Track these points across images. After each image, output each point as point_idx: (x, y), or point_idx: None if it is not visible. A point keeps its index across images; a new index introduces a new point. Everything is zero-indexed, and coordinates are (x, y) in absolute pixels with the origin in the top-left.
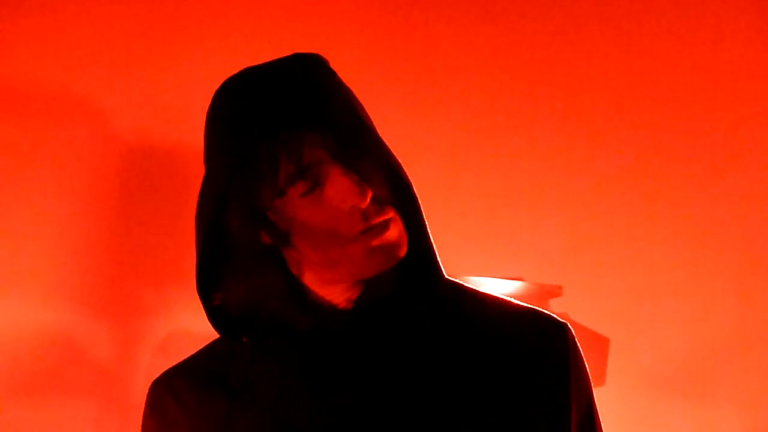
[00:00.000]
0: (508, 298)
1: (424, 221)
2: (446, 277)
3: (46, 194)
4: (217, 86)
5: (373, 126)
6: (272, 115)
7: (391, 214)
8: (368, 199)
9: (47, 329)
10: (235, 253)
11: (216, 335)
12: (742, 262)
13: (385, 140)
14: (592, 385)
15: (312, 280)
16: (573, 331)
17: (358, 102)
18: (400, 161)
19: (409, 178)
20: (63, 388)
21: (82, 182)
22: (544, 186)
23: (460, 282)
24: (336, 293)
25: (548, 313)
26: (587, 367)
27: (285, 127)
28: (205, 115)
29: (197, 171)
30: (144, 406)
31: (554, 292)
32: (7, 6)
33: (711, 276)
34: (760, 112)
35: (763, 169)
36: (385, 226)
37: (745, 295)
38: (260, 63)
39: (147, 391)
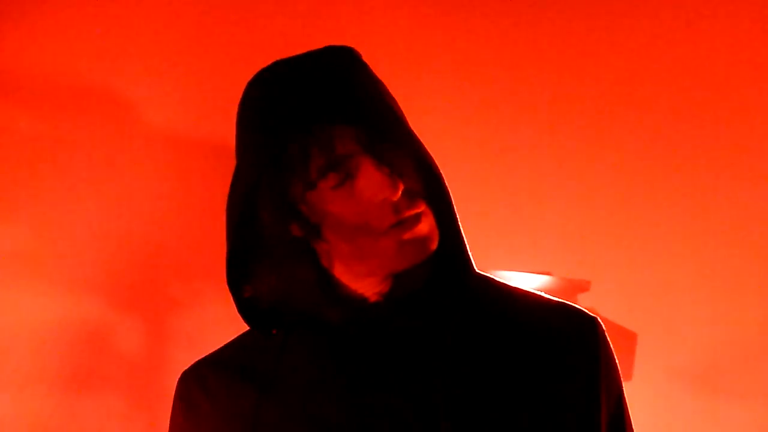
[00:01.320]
0: (538, 292)
1: (456, 215)
2: (477, 271)
3: (77, 188)
4: (248, 79)
5: (405, 119)
6: (304, 108)
7: (422, 207)
8: (400, 192)
9: (77, 323)
10: (265, 245)
11: (246, 328)
12: (765, 260)
13: (417, 134)
14: (620, 376)
15: (343, 273)
16: (603, 325)
17: (390, 95)
18: (431, 155)
19: (441, 171)
20: (93, 382)
21: (113, 176)
22: (572, 182)
23: (490, 276)
24: (367, 286)
25: (578, 306)
26: (617, 362)
27: (317, 120)
28: (237, 107)
29: (229, 164)
30: (173, 397)
31: (582, 287)
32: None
33: (738, 272)
34: None
35: None
36: (416, 219)
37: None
38: (292, 56)
39: (176, 383)
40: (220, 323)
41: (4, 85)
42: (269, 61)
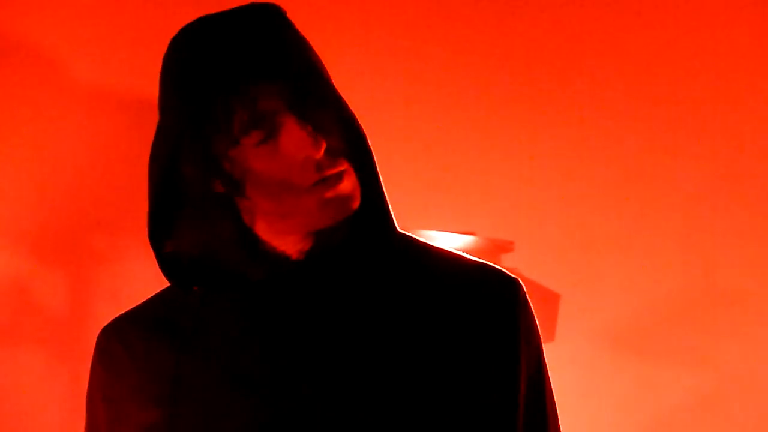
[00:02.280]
0: (460, 253)
1: (378, 174)
2: (399, 230)
3: (5, 144)
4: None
5: (330, 78)
6: (227, 65)
7: (345, 166)
8: (322, 150)
9: (6, 273)
10: (187, 201)
11: (167, 283)
12: (688, 223)
13: (340, 92)
14: (542, 340)
15: (265, 230)
16: (524, 287)
17: (315, 54)
18: (354, 113)
19: (364, 130)
20: (14, 336)
21: (37, 128)
22: (496, 141)
23: (413, 236)
24: (289, 244)
25: (499, 268)
26: (537, 322)
27: (240, 77)
28: (161, 65)
29: (152, 118)
30: (93, 352)
31: (506, 247)
32: None
33: (659, 235)
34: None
35: (707, 133)
36: (339, 177)
37: (690, 254)
38: (216, 12)
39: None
40: (143, 278)
41: None
42: (199, 14)
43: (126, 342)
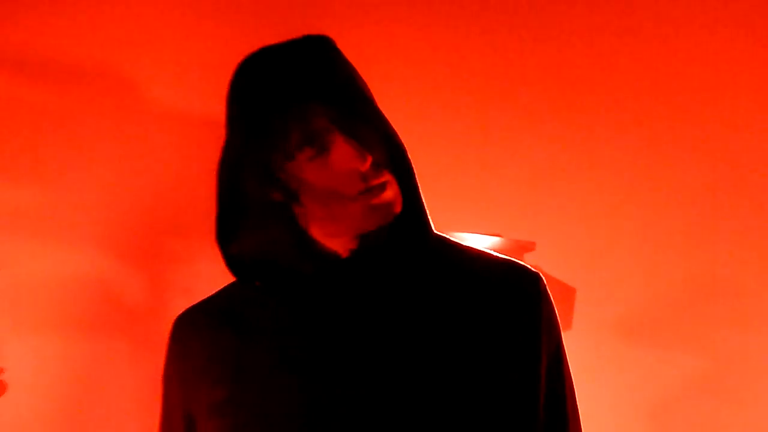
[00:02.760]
0: (488, 251)
1: (417, 183)
2: (435, 232)
3: (87, 158)
4: (232, 65)
5: (373, 98)
6: (284, 89)
7: (387, 176)
8: (368, 164)
9: (88, 276)
10: (249, 208)
11: (232, 279)
12: (691, 224)
13: (383, 111)
14: (560, 326)
15: (317, 233)
16: (545, 280)
17: (360, 77)
18: (395, 130)
19: (404, 144)
20: (102, 327)
21: (120, 146)
22: (521, 154)
23: (447, 236)
24: (338, 244)
25: (523, 263)
26: (557, 314)
27: (295, 99)
28: (227, 91)
29: (220, 136)
30: (168, 338)
31: (528, 247)
32: None
33: (665, 235)
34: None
35: (708, 135)
36: (382, 187)
37: (693, 252)
38: (275, 43)
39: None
40: (212, 275)
41: (18, 56)
42: (263, 44)
43: (196, 330)
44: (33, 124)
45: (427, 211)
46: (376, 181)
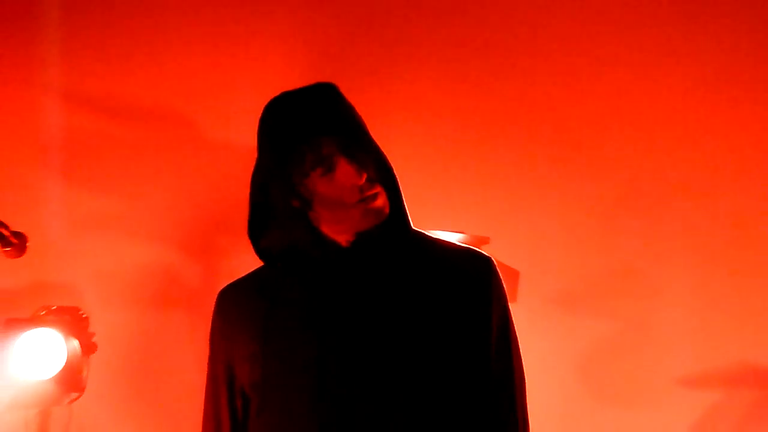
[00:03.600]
0: (454, 241)
1: (401, 193)
2: (414, 228)
3: (161, 177)
4: (263, 104)
5: (368, 130)
6: (301, 125)
7: (378, 188)
8: (363, 179)
9: (157, 264)
10: (274, 213)
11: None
12: (607, 225)
13: (375, 139)
14: (508, 300)
15: (326, 230)
16: (495, 262)
17: (358, 114)
18: (384, 153)
19: (390, 164)
20: (167, 303)
21: (182, 170)
22: (479, 173)
23: (423, 232)
24: (341, 238)
25: (478, 250)
26: (505, 287)
27: (309, 133)
28: (258, 124)
29: (252, 159)
30: (213, 309)
31: (484, 241)
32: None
33: (586, 231)
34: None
35: (622, 160)
36: (374, 197)
37: (608, 245)
38: (294, 89)
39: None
40: (248, 262)
41: (109, 100)
42: (285, 89)
43: (234, 300)
44: (118, 151)
45: (408, 213)
46: (370, 192)
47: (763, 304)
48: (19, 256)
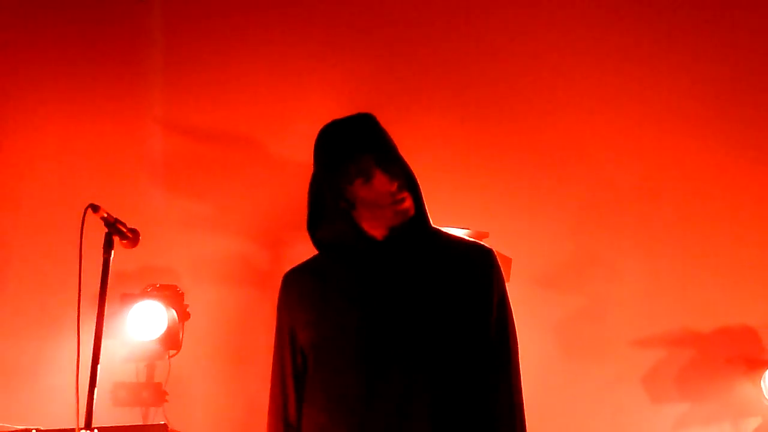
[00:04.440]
0: (462, 236)
1: (422, 198)
2: (432, 225)
3: (242, 185)
4: (317, 129)
5: (397, 149)
6: (347, 145)
7: (406, 194)
8: (395, 187)
9: (238, 253)
10: (327, 212)
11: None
12: (578, 220)
13: (403, 155)
14: (505, 281)
15: (366, 226)
16: (495, 252)
17: (390, 137)
18: (410, 166)
19: (415, 175)
20: (246, 283)
21: (259, 180)
22: (482, 182)
23: (439, 228)
24: (378, 233)
25: (483, 243)
26: (502, 272)
27: (354, 151)
28: (314, 144)
29: (309, 173)
30: (280, 287)
31: (485, 235)
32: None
33: (561, 226)
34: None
35: (590, 169)
36: (403, 200)
37: (579, 237)
38: (341, 117)
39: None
40: (306, 252)
41: (191, 123)
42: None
43: (296, 279)
44: (208, 166)
45: (428, 214)
46: (399, 197)
47: (698, 283)
48: (133, 246)
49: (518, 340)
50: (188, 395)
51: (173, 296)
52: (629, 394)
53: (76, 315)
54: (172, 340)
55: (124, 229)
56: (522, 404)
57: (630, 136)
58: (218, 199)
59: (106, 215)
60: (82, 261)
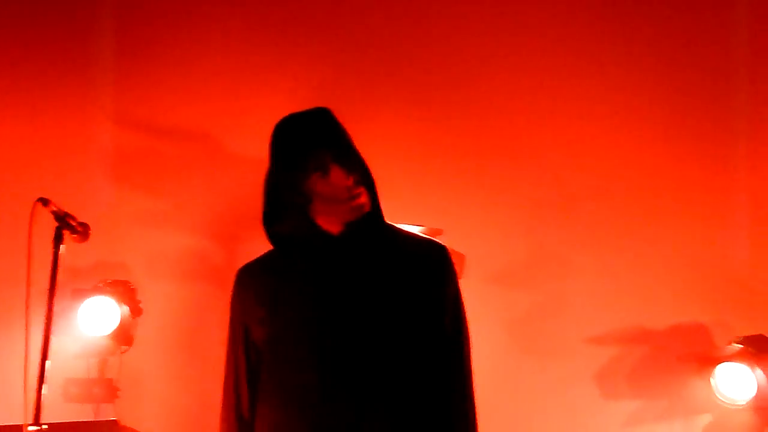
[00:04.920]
0: (416, 233)
1: (377, 194)
2: (387, 221)
3: (196, 180)
4: (273, 124)
5: (354, 144)
6: (304, 140)
7: (362, 189)
8: (352, 182)
9: (192, 248)
10: (283, 207)
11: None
12: (533, 216)
13: (359, 150)
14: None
15: (321, 222)
16: (448, 249)
17: (347, 132)
18: (366, 162)
19: (371, 171)
20: (200, 278)
21: (213, 175)
22: (436, 182)
23: (393, 224)
24: (333, 228)
25: (437, 240)
26: (455, 268)
27: (310, 146)
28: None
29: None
30: (234, 282)
31: (439, 232)
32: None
33: (515, 223)
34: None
35: (544, 171)
36: (359, 195)
37: (533, 235)
38: (297, 111)
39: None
40: (261, 247)
41: (151, 119)
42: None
43: (250, 274)
44: (160, 161)
45: (382, 210)
46: (356, 192)
47: (650, 280)
48: (84, 241)
49: (471, 337)
50: (140, 391)
51: (126, 292)
52: (582, 392)
53: (25, 310)
54: (124, 336)
55: (74, 223)
56: (473, 400)
57: (582, 135)
58: (172, 195)
59: (56, 209)
60: (34, 256)
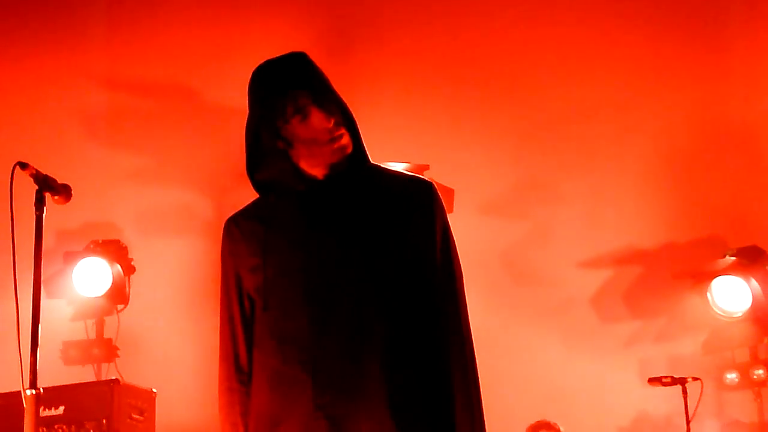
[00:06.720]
0: (402, 171)
1: (360, 134)
2: (371, 161)
3: (182, 133)
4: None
5: (332, 86)
6: (282, 83)
7: (343, 131)
8: (332, 124)
9: (183, 200)
10: (265, 153)
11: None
12: (521, 141)
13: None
14: (446, 212)
15: (304, 165)
16: (435, 185)
17: (324, 75)
18: (346, 103)
19: (352, 112)
20: (191, 229)
21: (197, 127)
22: (422, 120)
23: (377, 164)
24: (317, 171)
25: (423, 177)
26: (443, 203)
27: (288, 88)
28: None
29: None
30: (222, 233)
31: (425, 167)
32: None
33: (505, 151)
34: None
35: (535, 81)
36: (340, 137)
37: (521, 159)
38: (275, 56)
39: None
40: (249, 197)
41: (135, 75)
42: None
43: (238, 224)
44: (145, 117)
45: (366, 150)
46: (337, 133)
47: (640, 199)
48: (66, 201)
49: (464, 270)
50: (140, 349)
51: (117, 251)
52: (579, 316)
53: (13, 275)
54: (119, 295)
55: (55, 185)
56: (470, 331)
57: (563, 59)
58: (157, 151)
59: (35, 172)
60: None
